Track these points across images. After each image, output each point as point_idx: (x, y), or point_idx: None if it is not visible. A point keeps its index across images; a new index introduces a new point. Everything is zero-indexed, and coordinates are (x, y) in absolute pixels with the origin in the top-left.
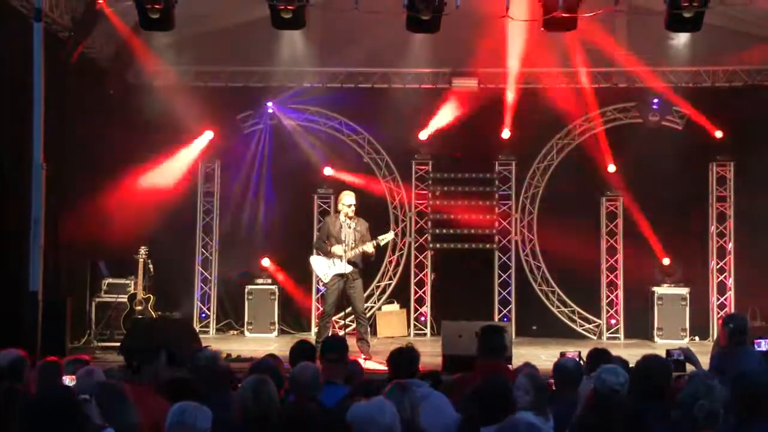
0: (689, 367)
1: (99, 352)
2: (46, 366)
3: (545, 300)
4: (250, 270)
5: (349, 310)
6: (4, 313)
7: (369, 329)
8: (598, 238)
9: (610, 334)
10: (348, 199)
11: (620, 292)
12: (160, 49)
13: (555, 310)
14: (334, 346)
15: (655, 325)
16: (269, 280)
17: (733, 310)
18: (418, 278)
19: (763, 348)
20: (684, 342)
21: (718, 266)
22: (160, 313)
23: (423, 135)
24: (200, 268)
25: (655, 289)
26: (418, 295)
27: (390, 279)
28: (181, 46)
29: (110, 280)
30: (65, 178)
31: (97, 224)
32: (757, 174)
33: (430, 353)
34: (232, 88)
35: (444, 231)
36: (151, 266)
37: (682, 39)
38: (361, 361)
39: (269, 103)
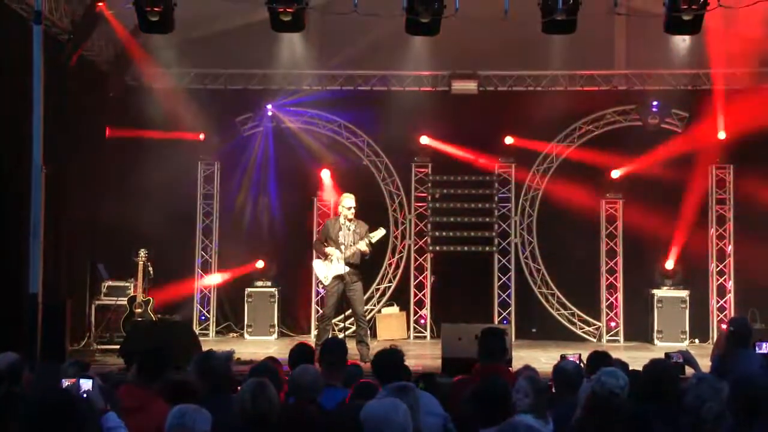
0: (688, 370)
1: (99, 354)
2: (44, 368)
3: (545, 302)
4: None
5: (348, 312)
6: (3, 316)
7: (369, 332)
8: (598, 241)
9: (609, 336)
10: (348, 201)
11: (620, 295)
12: (160, 52)
13: (555, 313)
14: (333, 348)
15: (655, 328)
16: (269, 283)
17: (732, 313)
18: (417, 281)
19: (764, 351)
20: (684, 345)
21: (717, 269)
22: (159, 315)
23: (424, 140)
24: (200, 271)
25: (655, 291)
26: (417, 297)
27: (390, 282)
28: (180, 49)
29: (110, 283)
30: (65, 180)
31: (96, 226)
32: (756, 177)
33: (430, 356)
34: (232, 90)
35: (444, 233)
36: (150, 269)
37: (681, 41)
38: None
39: (268, 106)
